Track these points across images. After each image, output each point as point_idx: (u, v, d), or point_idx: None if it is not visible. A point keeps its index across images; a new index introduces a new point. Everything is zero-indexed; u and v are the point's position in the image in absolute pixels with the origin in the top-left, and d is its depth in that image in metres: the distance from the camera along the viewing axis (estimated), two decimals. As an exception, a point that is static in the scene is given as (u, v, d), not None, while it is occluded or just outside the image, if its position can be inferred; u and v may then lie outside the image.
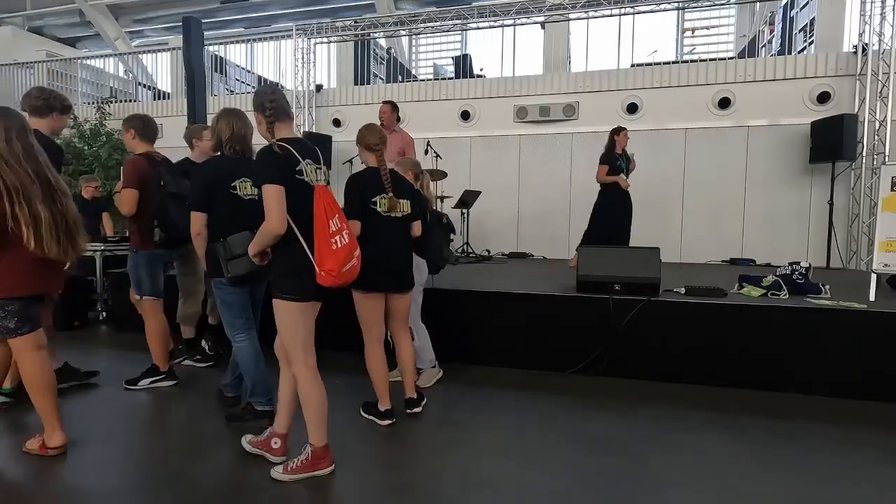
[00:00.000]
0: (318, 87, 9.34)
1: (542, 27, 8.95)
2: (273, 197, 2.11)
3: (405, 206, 2.85)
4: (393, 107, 5.29)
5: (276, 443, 2.41)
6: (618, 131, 5.80)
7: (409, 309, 3.11)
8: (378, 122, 5.30)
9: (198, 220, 2.81)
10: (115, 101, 10.46)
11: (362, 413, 2.99)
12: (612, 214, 5.73)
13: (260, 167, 2.21)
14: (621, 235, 5.70)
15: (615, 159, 5.71)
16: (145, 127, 3.46)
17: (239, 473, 2.38)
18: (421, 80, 10.01)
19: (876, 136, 6.80)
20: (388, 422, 2.88)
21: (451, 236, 4.03)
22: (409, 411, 3.03)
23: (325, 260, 2.11)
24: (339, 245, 2.13)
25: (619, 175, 5.66)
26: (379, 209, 2.76)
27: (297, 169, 2.19)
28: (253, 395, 2.90)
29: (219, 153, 2.95)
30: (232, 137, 2.87)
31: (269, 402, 2.85)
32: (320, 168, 2.30)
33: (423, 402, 3.10)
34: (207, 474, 2.36)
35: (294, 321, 2.22)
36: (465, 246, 7.36)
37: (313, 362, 2.29)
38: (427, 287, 3.72)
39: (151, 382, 3.48)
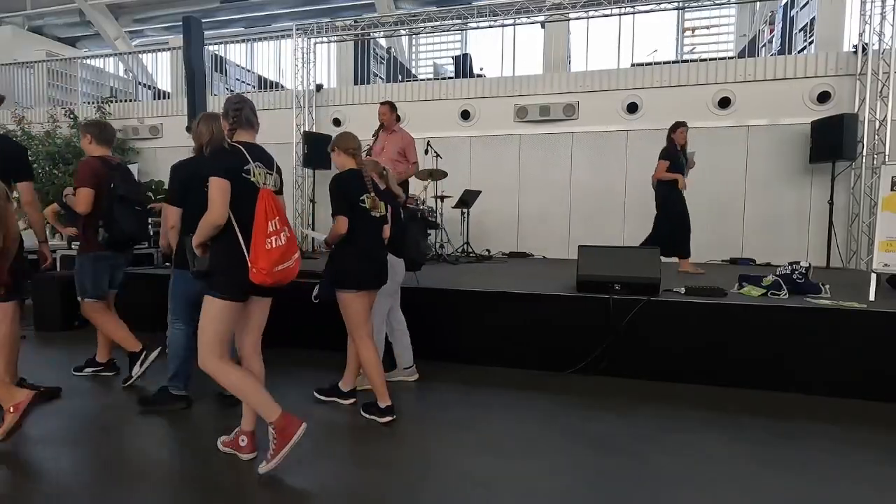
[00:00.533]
0: (319, 87, 9.35)
1: (542, 27, 8.95)
2: (217, 189, 2.22)
3: (382, 206, 2.98)
4: (391, 107, 5.30)
5: (243, 441, 2.48)
6: (675, 128, 5.54)
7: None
8: (378, 123, 5.33)
9: (172, 214, 2.99)
10: (116, 101, 10.46)
11: (363, 413, 3.00)
12: (681, 215, 5.54)
13: (209, 162, 2.34)
14: (687, 238, 5.57)
15: (676, 156, 5.47)
16: (102, 132, 3.55)
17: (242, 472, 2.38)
18: (421, 80, 10.01)
19: (876, 136, 6.80)
20: (388, 418, 2.91)
21: (429, 231, 4.05)
22: (323, 398, 3.19)
23: (258, 258, 2.21)
24: (274, 245, 2.23)
25: (679, 174, 5.46)
26: (367, 206, 2.88)
27: (245, 168, 2.29)
28: (171, 381, 3.06)
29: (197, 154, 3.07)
30: (211, 140, 2.94)
31: (185, 387, 3.09)
32: (271, 174, 2.41)
33: (354, 401, 3.18)
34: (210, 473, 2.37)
35: (215, 316, 2.29)
36: (465, 246, 7.37)
37: (226, 355, 2.35)
38: (422, 286, 3.72)
39: (95, 372, 3.72)
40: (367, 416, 2.98)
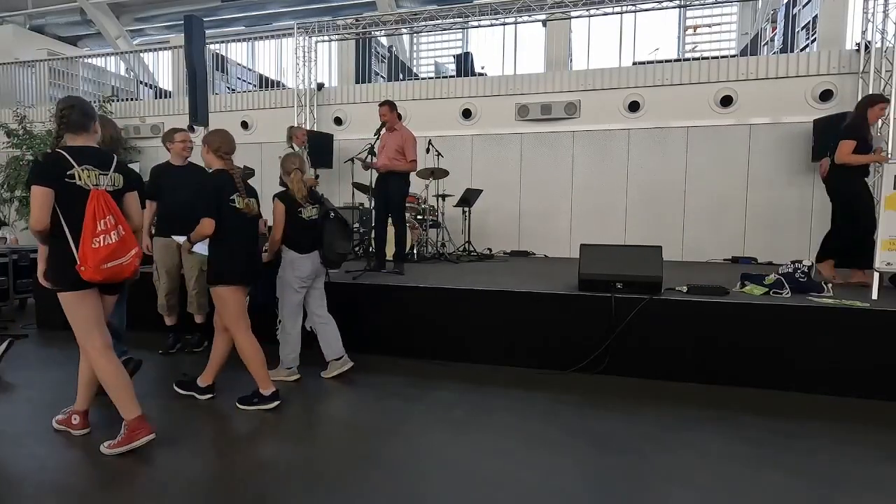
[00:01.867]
0: (320, 86, 9.34)
1: (544, 25, 8.94)
2: (34, 198, 2.35)
3: (253, 204, 3.10)
4: (391, 106, 5.27)
5: (75, 419, 2.68)
6: (871, 102, 4.51)
7: None
8: (380, 123, 5.32)
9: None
10: (117, 100, 10.48)
11: (244, 407, 3.06)
12: (869, 214, 4.43)
13: (29, 172, 2.49)
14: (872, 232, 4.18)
15: (865, 135, 4.40)
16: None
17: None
18: (422, 79, 9.99)
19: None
20: (275, 403, 3.04)
21: (358, 228, 4.14)
22: (200, 396, 3.23)
23: (86, 256, 2.34)
24: (103, 244, 2.35)
25: (871, 154, 4.42)
26: (238, 206, 3.00)
27: (69, 173, 2.38)
28: None
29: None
30: (103, 142, 3.01)
31: None
32: (106, 174, 2.50)
33: (211, 396, 3.24)
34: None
35: (70, 309, 2.45)
36: (466, 244, 7.37)
37: (101, 344, 2.50)
38: (422, 286, 3.72)
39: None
40: (251, 407, 3.04)
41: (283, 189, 3.52)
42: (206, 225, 2.90)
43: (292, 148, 6.27)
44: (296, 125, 7.49)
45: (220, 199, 2.95)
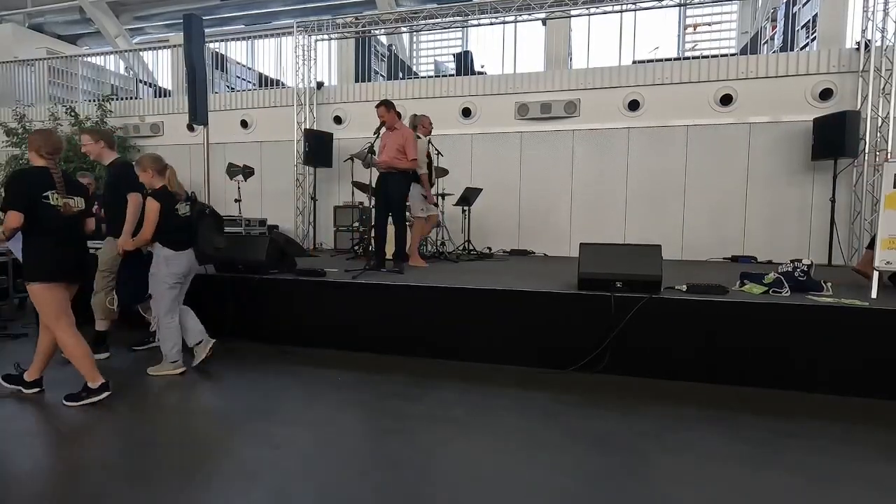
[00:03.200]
0: (319, 85, 9.33)
1: (544, 24, 8.93)
2: None
3: (75, 204, 3.09)
4: (387, 106, 5.24)
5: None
6: None
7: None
8: (379, 123, 5.31)
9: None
10: (116, 99, 10.47)
11: (72, 403, 3.05)
12: None
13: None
14: None
15: None
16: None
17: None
18: (422, 78, 9.99)
19: (878, 133, 6.78)
20: (105, 394, 3.08)
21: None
22: (26, 391, 3.24)
23: None
24: None
25: None
26: (52, 203, 2.98)
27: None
28: None
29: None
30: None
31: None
32: None
33: (39, 390, 3.26)
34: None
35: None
36: (466, 243, 7.37)
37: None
38: (423, 285, 3.72)
39: None
40: (79, 403, 3.04)
41: (161, 188, 3.64)
42: (11, 218, 2.88)
43: (419, 137, 5.70)
44: (420, 113, 6.57)
45: (33, 195, 2.93)
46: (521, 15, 8.56)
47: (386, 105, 5.25)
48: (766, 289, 3.95)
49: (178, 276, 3.65)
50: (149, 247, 3.73)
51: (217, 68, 10.67)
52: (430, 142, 6.94)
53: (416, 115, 6.23)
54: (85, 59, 12.11)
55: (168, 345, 3.66)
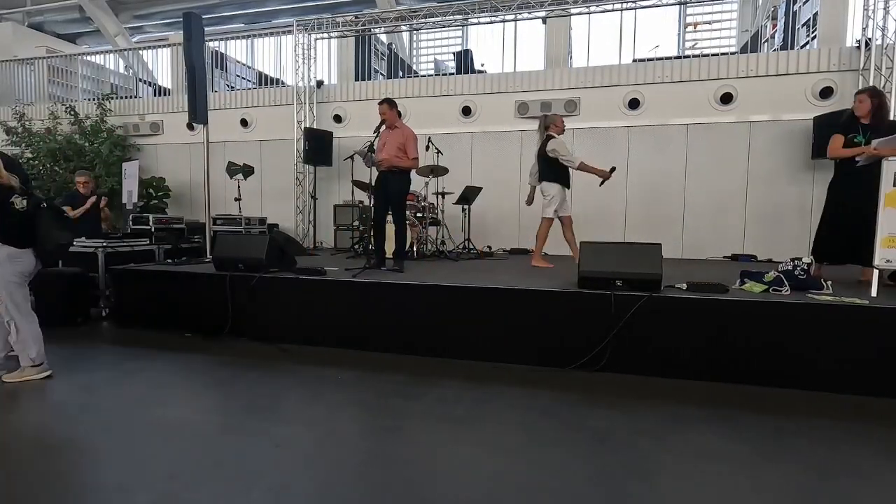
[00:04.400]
0: (319, 83, 9.33)
1: (544, 22, 8.92)
2: None
3: None
4: (390, 104, 5.27)
5: None
6: None
7: None
8: (379, 121, 5.31)
9: None
10: (116, 98, 10.47)
11: None
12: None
13: None
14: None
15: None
16: None
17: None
18: (422, 76, 9.99)
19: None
20: None
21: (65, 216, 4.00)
22: None
23: None
24: None
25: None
26: None
27: None
28: None
29: None
30: None
31: None
32: None
33: None
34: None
35: None
36: (466, 242, 7.37)
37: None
38: (423, 284, 3.71)
39: None
40: None
41: None
42: None
43: (553, 136, 5.58)
44: (551, 113, 6.38)
45: None
46: (521, 13, 8.55)
47: (388, 103, 5.27)
48: (766, 287, 3.95)
49: (24, 275, 3.37)
50: None
51: (217, 67, 10.66)
52: (430, 140, 6.95)
53: (546, 116, 6.05)
54: (84, 58, 12.11)
55: (30, 348, 3.38)
